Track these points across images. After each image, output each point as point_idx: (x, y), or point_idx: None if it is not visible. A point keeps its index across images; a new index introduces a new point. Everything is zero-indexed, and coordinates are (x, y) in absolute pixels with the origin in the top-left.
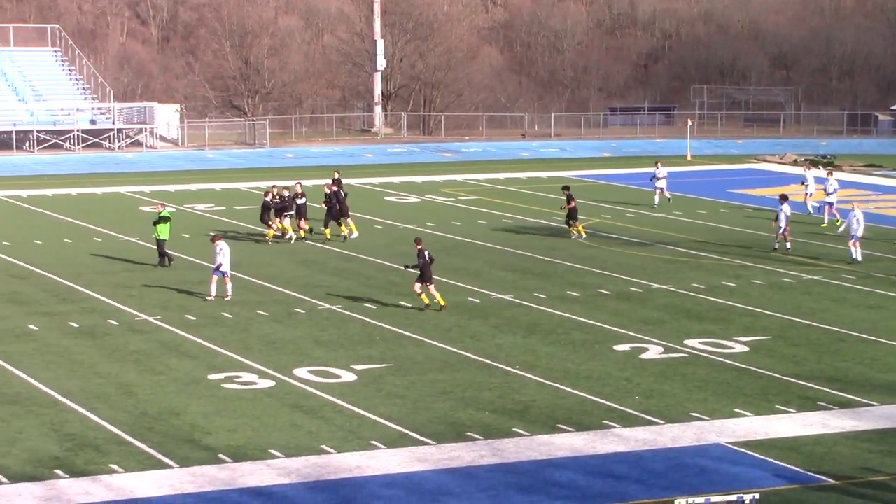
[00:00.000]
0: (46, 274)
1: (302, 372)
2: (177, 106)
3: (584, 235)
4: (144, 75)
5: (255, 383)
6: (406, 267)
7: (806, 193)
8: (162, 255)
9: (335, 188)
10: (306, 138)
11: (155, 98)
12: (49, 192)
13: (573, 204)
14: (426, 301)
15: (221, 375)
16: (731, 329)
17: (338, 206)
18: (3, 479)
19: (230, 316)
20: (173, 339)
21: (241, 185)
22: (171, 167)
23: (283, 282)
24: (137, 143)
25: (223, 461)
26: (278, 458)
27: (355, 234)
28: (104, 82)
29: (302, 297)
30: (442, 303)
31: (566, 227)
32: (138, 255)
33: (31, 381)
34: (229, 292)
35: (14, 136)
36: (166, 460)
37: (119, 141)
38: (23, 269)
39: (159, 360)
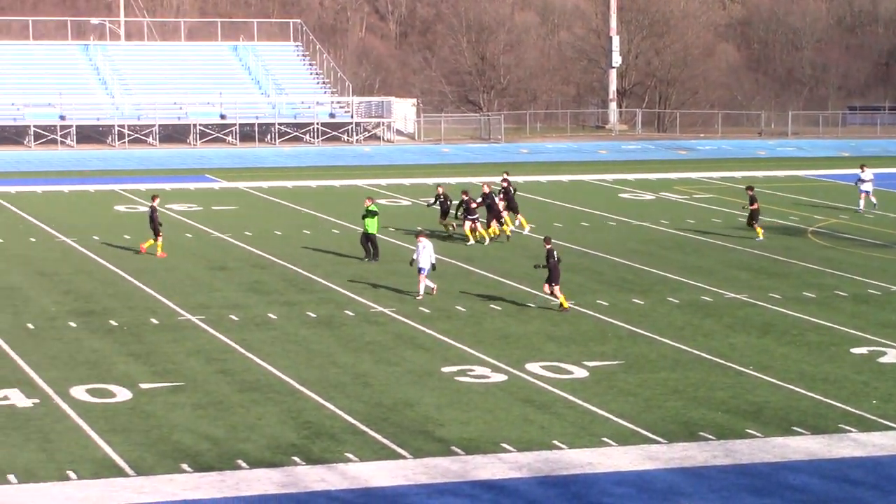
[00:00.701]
0: (286, 264)
1: (534, 367)
2: (413, 100)
3: (762, 237)
4: (382, 70)
5: (487, 377)
6: (536, 266)
7: None
8: (372, 247)
9: (504, 185)
10: (540, 134)
11: (392, 92)
12: (289, 183)
13: (756, 205)
14: (565, 305)
15: (455, 368)
16: None
17: (503, 204)
18: (244, 465)
19: (464, 309)
20: (408, 331)
21: (475, 180)
22: (408, 161)
23: (516, 277)
24: (375, 137)
25: (456, 453)
26: (510, 451)
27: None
28: (343, 77)
29: (534, 291)
30: (565, 305)
31: (749, 227)
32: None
33: (271, 368)
34: (422, 291)
35: (256, 129)
36: (400, 451)
37: (357, 134)
38: (264, 259)
39: (394, 352)
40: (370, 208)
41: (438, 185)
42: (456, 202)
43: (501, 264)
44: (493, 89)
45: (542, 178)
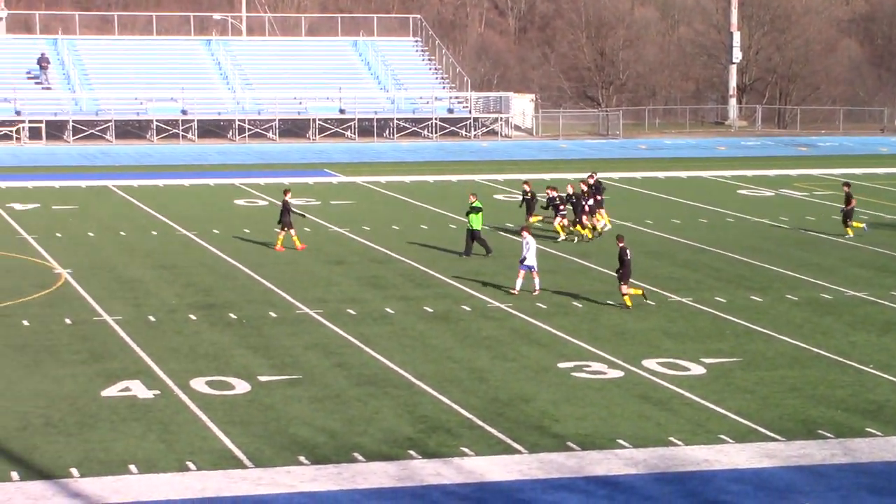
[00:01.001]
0: (403, 259)
1: (651, 363)
2: (531, 96)
3: (862, 228)
4: (501, 65)
5: (604, 373)
6: (618, 271)
7: None
8: (480, 244)
9: (590, 182)
10: (659, 130)
11: (511, 88)
12: (407, 178)
13: (853, 203)
14: (630, 301)
15: (571, 364)
16: None
17: (586, 202)
18: (360, 458)
19: (580, 305)
20: (524, 326)
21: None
22: (525, 156)
23: (634, 273)
24: (492, 133)
25: (571, 449)
26: (626, 447)
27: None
28: (462, 72)
29: (651, 288)
30: (629, 304)
31: (845, 225)
32: (491, 243)
33: (388, 362)
34: (537, 287)
35: (375, 124)
36: (516, 445)
37: (475, 130)
38: (381, 253)
39: (510, 347)
40: (474, 204)
41: (525, 181)
42: (542, 197)
43: (616, 260)
44: (612, 85)
45: (661, 175)
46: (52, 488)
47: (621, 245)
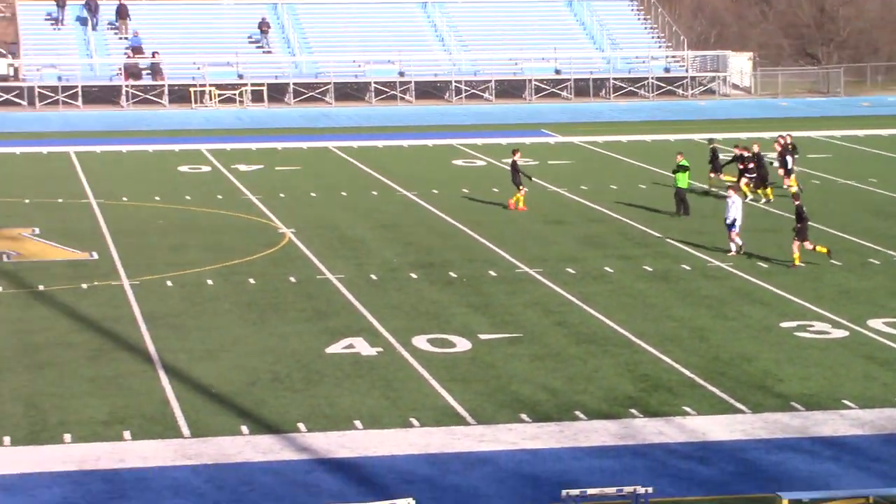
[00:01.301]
0: (621, 218)
1: (877, 323)
2: (749, 54)
3: None
4: (718, 24)
5: (828, 332)
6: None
7: None
8: (681, 203)
9: (784, 144)
10: (882, 86)
11: (728, 46)
12: (624, 138)
13: None
14: (797, 262)
15: (794, 323)
16: None
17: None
18: (581, 416)
19: (803, 265)
20: (745, 285)
21: (813, 134)
22: (743, 115)
23: (858, 231)
24: (710, 91)
25: (795, 409)
26: (851, 408)
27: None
28: (678, 31)
29: (877, 247)
30: (797, 262)
31: None
32: (707, 203)
33: (607, 321)
34: (739, 244)
35: (591, 84)
36: (738, 405)
37: (692, 89)
38: (600, 212)
39: (731, 306)
40: (681, 163)
41: (709, 139)
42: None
43: (840, 218)
44: (832, 42)
45: (884, 132)
46: (281, 442)
47: (797, 203)
